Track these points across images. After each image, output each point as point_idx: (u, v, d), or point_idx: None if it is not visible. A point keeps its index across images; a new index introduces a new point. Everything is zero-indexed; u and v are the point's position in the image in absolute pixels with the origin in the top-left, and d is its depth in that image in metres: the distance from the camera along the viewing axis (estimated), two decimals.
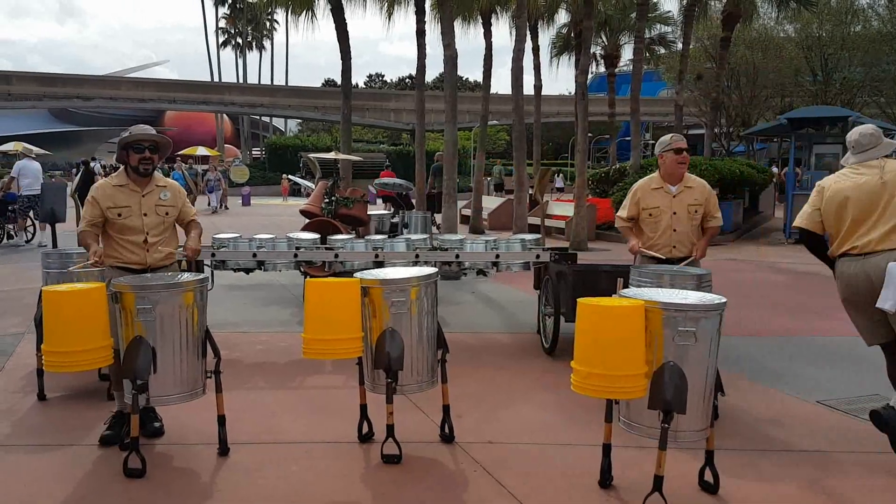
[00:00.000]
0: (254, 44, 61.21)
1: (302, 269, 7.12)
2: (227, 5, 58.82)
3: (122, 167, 4.48)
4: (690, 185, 5.13)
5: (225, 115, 49.91)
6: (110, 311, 3.85)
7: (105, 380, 5.19)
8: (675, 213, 5.05)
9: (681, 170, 5.08)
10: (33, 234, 13.62)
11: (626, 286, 4.73)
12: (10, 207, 13.55)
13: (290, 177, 27.23)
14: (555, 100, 44.72)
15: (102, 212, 4.30)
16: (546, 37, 29.00)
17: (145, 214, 4.36)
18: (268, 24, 59.19)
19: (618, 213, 5.45)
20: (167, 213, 4.46)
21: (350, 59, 16.63)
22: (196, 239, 4.59)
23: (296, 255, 6.46)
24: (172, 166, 25.95)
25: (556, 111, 44.65)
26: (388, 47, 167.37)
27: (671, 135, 5.19)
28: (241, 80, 55.81)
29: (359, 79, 78.43)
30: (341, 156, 10.41)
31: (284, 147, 43.87)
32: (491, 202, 20.58)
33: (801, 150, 17.54)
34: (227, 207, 25.43)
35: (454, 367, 4.52)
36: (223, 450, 4.03)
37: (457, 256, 6.47)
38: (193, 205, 5.70)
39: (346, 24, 16.72)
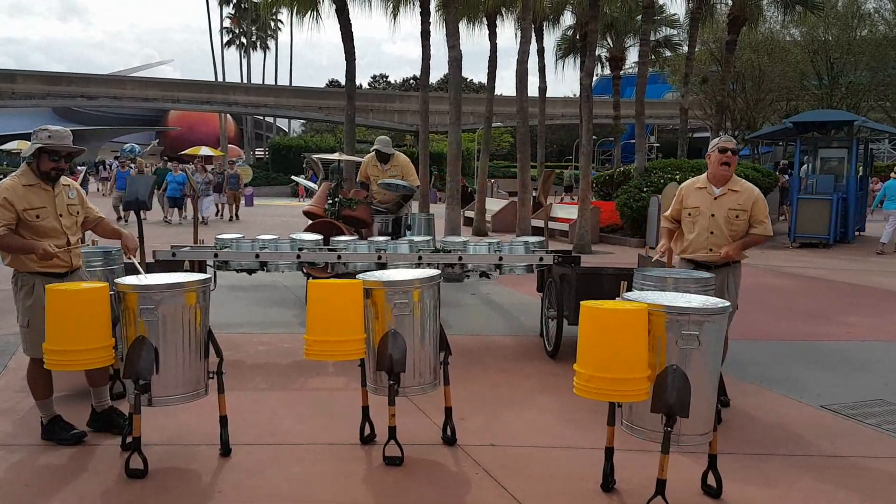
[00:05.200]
0: (258, 44, 61.39)
1: (304, 271, 7.12)
2: (231, 5, 58.98)
3: (25, 164, 4.24)
4: (736, 188, 4.95)
5: (229, 115, 50.00)
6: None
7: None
8: (713, 216, 4.92)
9: (723, 171, 4.93)
10: None
11: (629, 289, 4.72)
12: None
13: (294, 178, 27.05)
14: (559, 102, 44.76)
15: (18, 214, 4.06)
16: (551, 39, 29.13)
17: (61, 215, 4.24)
18: (272, 24, 59.32)
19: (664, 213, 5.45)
20: (78, 213, 4.38)
21: (354, 59, 16.64)
22: (125, 231, 4.62)
23: (298, 257, 6.46)
24: (204, 166, 25.33)
25: (560, 113, 44.69)
26: (391, 47, 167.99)
27: (722, 134, 5.14)
28: (245, 80, 55.94)
29: (362, 79, 78.56)
30: (345, 157, 10.40)
31: (288, 148, 43.95)
32: (494, 204, 20.58)
33: (806, 153, 17.50)
34: (237, 217, 22.15)
35: (457, 369, 4.52)
36: (225, 450, 4.03)
37: (460, 259, 6.46)
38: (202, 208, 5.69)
39: (350, 24, 16.74)
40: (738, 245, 4.90)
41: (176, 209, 20.45)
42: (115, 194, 20.11)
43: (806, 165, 17.43)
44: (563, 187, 34.15)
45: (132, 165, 22.98)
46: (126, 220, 19.29)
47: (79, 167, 31.66)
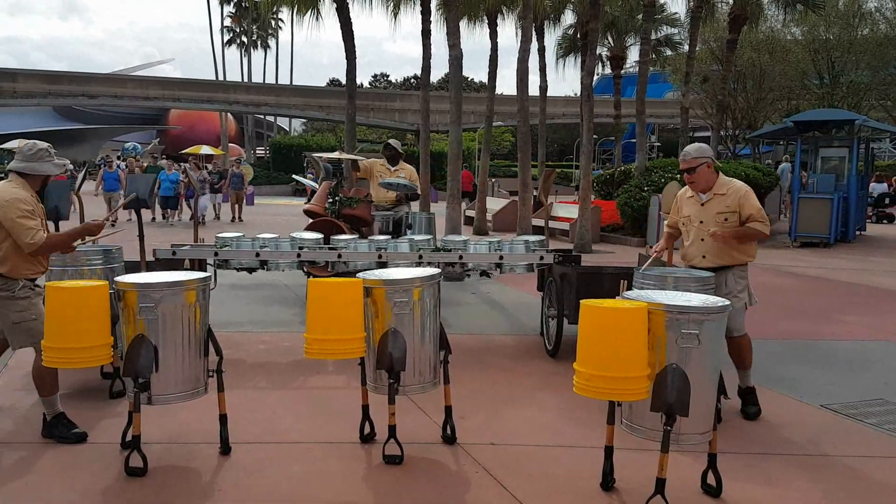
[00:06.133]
0: (258, 42, 61.37)
1: (305, 269, 7.11)
2: (232, 4, 58.97)
3: (17, 175, 4.32)
4: (723, 192, 4.83)
5: (229, 114, 50.00)
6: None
7: (107, 377, 5.20)
8: (701, 223, 4.89)
9: (694, 187, 4.92)
10: None
11: (629, 288, 4.72)
12: None
13: (295, 177, 26.93)
14: (560, 101, 44.74)
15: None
16: (552, 38, 29.02)
17: (46, 228, 4.41)
18: (272, 22, 59.30)
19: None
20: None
21: (355, 58, 16.62)
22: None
23: (299, 255, 6.46)
24: (206, 165, 25.02)
25: (561, 112, 44.68)
26: (392, 47, 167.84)
27: (684, 151, 4.97)
28: (245, 79, 55.94)
29: (363, 78, 78.55)
30: (345, 156, 10.38)
31: (289, 147, 43.95)
32: (495, 203, 20.58)
33: (807, 153, 17.49)
34: (241, 219, 21.06)
35: (457, 368, 4.51)
36: (224, 449, 4.03)
37: (460, 258, 6.46)
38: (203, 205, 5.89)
39: (350, 22, 16.72)
40: (732, 231, 4.75)
41: (169, 209, 20.01)
42: (104, 196, 19.40)
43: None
44: (573, 185, 34.28)
45: (121, 165, 22.56)
46: (114, 222, 19.08)
47: (70, 166, 31.33)
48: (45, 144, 4.42)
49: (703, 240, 4.89)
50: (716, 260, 4.84)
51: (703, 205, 4.91)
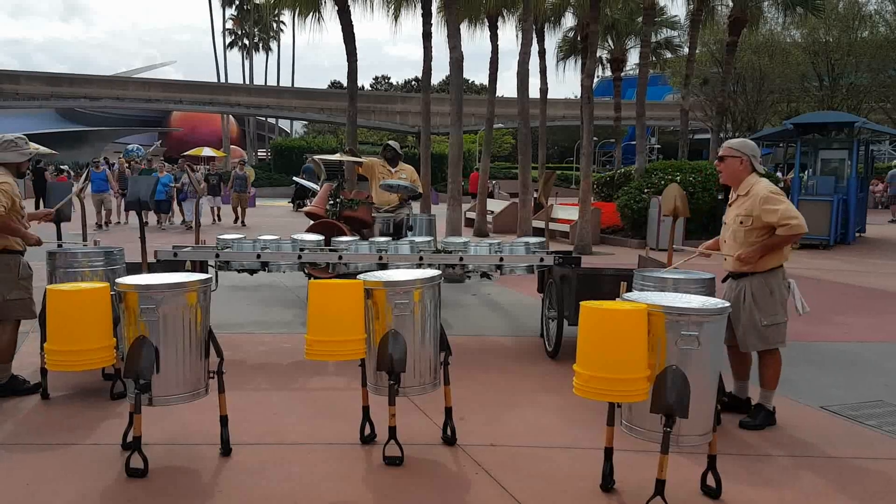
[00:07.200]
0: (260, 45, 61.47)
1: (306, 271, 7.13)
2: (234, 6, 59.09)
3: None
4: (746, 193, 4.61)
5: (231, 116, 50.05)
6: None
7: (108, 379, 5.21)
8: (725, 223, 4.81)
9: (721, 177, 4.83)
10: None
11: (629, 290, 4.73)
12: None
13: (296, 179, 26.83)
14: (560, 103, 44.81)
15: (16, 205, 4.94)
16: (552, 40, 29.07)
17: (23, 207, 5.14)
18: (274, 25, 59.41)
19: None
20: None
21: (356, 60, 16.66)
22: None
23: (300, 257, 6.47)
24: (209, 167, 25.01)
25: (561, 115, 44.75)
26: (393, 49, 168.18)
27: (728, 141, 4.89)
28: (247, 82, 56.03)
29: (364, 81, 78.60)
30: (346, 158, 10.40)
31: (290, 149, 44.00)
32: (496, 205, 20.59)
33: (807, 155, 17.51)
34: (244, 223, 20.36)
35: (457, 369, 4.52)
36: (225, 450, 4.04)
37: (461, 259, 6.47)
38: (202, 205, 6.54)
39: (352, 25, 16.76)
40: (756, 249, 4.55)
41: (162, 213, 19.41)
42: (93, 197, 18.85)
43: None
44: (574, 187, 34.49)
45: (106, 167, 22.28)
46: (108, 225, 19.06)
47: (63, 167, 31.02)
48: (12, 136, 5.09)
49: (725, 241, 4.82)
50: (736, 264, 4.67)
51: (730, 204, 4.82)
